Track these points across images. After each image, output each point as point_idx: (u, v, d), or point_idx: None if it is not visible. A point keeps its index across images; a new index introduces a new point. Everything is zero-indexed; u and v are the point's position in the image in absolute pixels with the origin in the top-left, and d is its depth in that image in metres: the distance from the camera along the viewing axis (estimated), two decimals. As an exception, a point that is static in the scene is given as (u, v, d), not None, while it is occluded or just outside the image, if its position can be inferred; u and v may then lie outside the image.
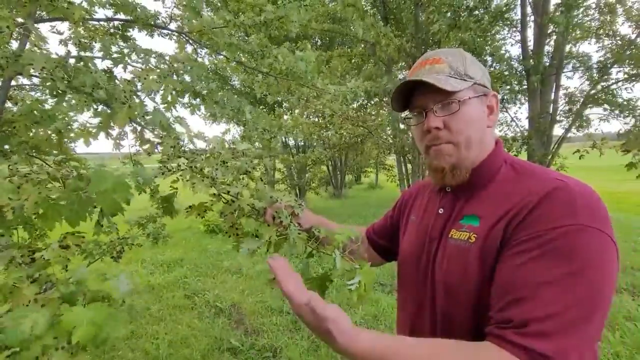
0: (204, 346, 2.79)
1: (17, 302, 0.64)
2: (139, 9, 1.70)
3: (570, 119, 5.68)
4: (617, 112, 5.27)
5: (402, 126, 7.14)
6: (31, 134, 1.14)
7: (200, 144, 0.93)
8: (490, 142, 0.74)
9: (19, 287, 0.66)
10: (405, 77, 0.79)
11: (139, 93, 1.12)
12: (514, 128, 6.58)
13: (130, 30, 1.87)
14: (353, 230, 0.79)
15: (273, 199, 0.82)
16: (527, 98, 5.88)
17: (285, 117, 9.40)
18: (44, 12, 1.34)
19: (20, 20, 1.14)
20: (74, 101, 1.04)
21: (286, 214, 0.79)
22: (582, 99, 5.69)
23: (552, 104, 5.63)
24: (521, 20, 5.78)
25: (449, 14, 5.01)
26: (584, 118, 5.65)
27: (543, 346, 0.48)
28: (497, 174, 0.70)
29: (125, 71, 1.32)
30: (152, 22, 1.78)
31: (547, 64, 5.44)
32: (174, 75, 1.49)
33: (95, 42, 1.39)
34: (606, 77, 5.66)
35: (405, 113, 0.80)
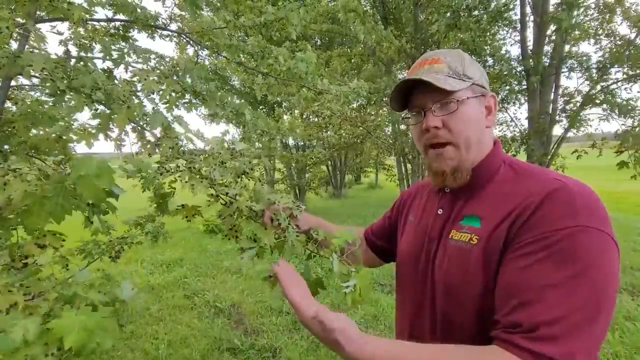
0: (204, 346, 2.79)
1: (2, 306, 0.62)
2: (139, 10, 1.71)
3: (569, 119, 5.69)
4: (615, 112, 5.28)
5: (402, 127, 7.14)
6: (31, 134, 1.14)
7: (199, 144, 0.93)
8: (488, 143, 0.74)
9: (10, 291, 0.64)
10: (404, 77, 0.79)
11: (138, 93, 1.12)
12: (513, 128, 6.59)
13: (131, 31, 1.87)
14: (351, 231, 0.80)
15: (271, 200, 0.82)
16: (526, 98, 5.89)
17: (285, 117, 9.41)
18: (44, 13, 1.34)
19: (20, 20, 1.14)
20: (73, 102, 1.05)
21: (284, 216, 0.79)
22: (581, 100, 5.70)
23: (551, 104, 5.64)
24: (520, 20, 5.79)
25: (448, 15, 5.01)
26: (582, 118, 5.65)
27: (551, 350, 0.48)
28: (496, 174, 0.71)
29: (126, 71, 1.32)
30: (153, 23, 1.78)
31: (547, 64, 5.45)
32: (175, 76, 1.50)
33: (96, 43, 1.39)
34: (605, 77, 5.67)
35: (404, 113, 0.80)
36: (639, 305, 3.22)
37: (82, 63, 1.17)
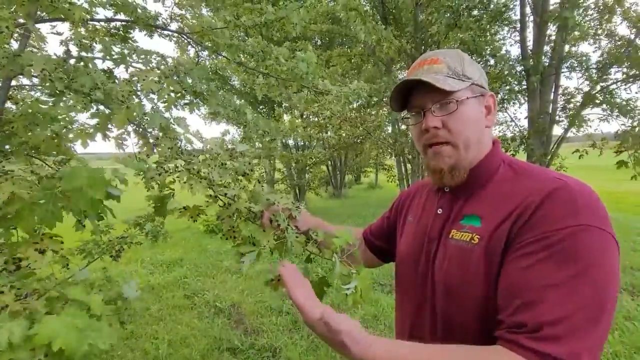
0: (204, 346, 2.79)
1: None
2: (139, 10, 1.71)
3: (569, 118, 5.69)
4: (615, 112, 5.28)
5: (402, 127, 7.14)
6: (30, 134, 1.14)
7: (198, 145, 0.93)
8: (488, 143, 0.74)
9: (1, 292, 0.62)
10: (404, 77, 0.79)
11: (138, 93, 1.12)
12: (513, 128, 6.59)
13: (131, 31, 1.87)
14: (350, 232, 0.79)
15: (270, 201, 0.82)
16: (526, 98, 5.89)
17: (285, 117, 9.41)
18: (45, 13, 1.35)
19: (20, 20, 1.14)
20: (71, 101, 1.05)
21: (283, 217, 0.79)
22: (581, 99, 5.71)
23: (551, 104, 5.64)
24: (520, 20, 5.79)
25: (447, 15, 5.01)
26: (582, 117, 5.64)
27: (556, 350, 0.48)
28: (496, 174, 0.71)
29: (127, 71, 1.32)
30: (153, 23, 1.78)
31: (547, 64, 5.45)
32: (176, 76, 1.50)
33: (96, 43, 1.39)
34: (605, 77, 5.67)
35: (404, 113, 0.80)
36: (639, 305, 3.22)
37: (82, 63, 1.17)
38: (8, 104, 1.32)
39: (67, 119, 1.11)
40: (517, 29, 6.05)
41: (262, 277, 4.32)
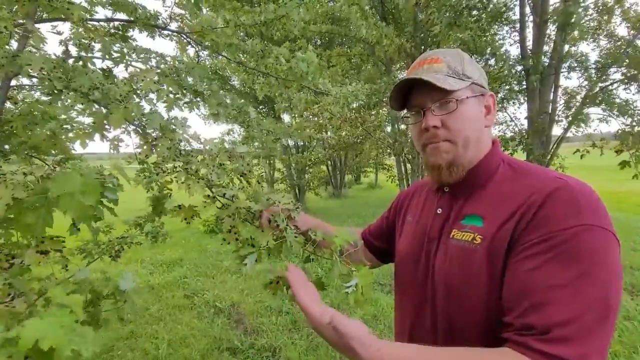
0: (203, 346, 2.79)
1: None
2: (139, 10, 1.71)
3: (569, 118, 5.69)
4: (615, 112, 5.28)
5: (402, 126, 7.14)
6: (30, 134, 1.14)
7: (196, 146, 0.93)
8: (487, 142, 0.74)
9: None
10: (404, 76, 0.78)
11: (137, 92, 1.12)
12: (512, 128, 6.59)
13: (131, 30, 1.87)
14: (350, 233, 0.79)
15: (269, 201, 0.82)
16: (526, 98, 5.89)
17: (286, 117, 9.40)
18: (45, 14, 1.34)
19: (20, 20, 1.14)
20: (69, 101, 1.04)
21: (282, 217, 0.79)
22: (581, 99, 5.71)
23: (550, 104, 5.64)
24: (520, 20, 5.79)
25: (446, 14, 5.01)
26: (584, 116, 5.64)
27: (566, 351, 0.48)
28: (496, 174, 0.71)
29: (127, 70, 1.32)
30: (153, 23, 1.78)
31: (546, 64, 5.45)
32: (176, 75, 1.49)
33: (95, 42, 1.39)
34: (604, 77, 5.67)
35: (404, 112, 0.80)
36: (638, 304, 3.22)
37: (81, 62, 1.17)
38: (7, 104, 1.32)
39: (66, 119, 1.11)
40: (517, 28, 6.05)
41: (262, 277, 4.32)
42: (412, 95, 0.74)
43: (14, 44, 1.23)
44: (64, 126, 1.14)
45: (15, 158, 1.14)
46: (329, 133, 8.85)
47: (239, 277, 4.38)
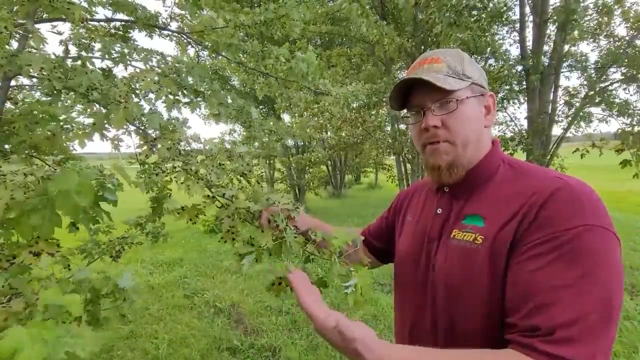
0: (203, 346, 2.79)
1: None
2: (139, 10, 1.71)
3: (570, 117, 5.69)
4: (615, 112, 5.27)
5: (402, 127, 7.14)
6: (30, 134, 1.14)
7: (196, 146, 0.93)
8: (487, 142, 0.74)
9: None
10: (404, 76, 0.78)
11: (137, 92, 1.12)
12: (512, 128, 6.59)
13: (131, 31, 1.87)
14: (349, 233, 0.79)
15: (269, 202, 0.82)
16: (526, 98, 5.89)
17: (285, 117, 9.40)
18: (45, 14, 1.34)
19: (20, 20, 1.14)
20: (69, 101, 1.04)
21: (282, 217, 0.79)
22: (581, 99, 5.71)
23: (550, 104, 5.64)
24: (520, 20, 5.79)
25: (446, 14, 5.01)
26: (586, 114, 5.63)
27: (570, 352, 0.48)
28: (496, 174, 0.71)
29: (126, 69, 1.32)
30: (153, 23, 1.78)
31: (546, 64, 5.45)
32: (177, 75, 1.49)
33: (95, 43, 1.39)
34: (604, 77, 5.67)
35: (404, 112, 0.80)
36: (638, 304, 3.23)
37: (80, 62, 1.17)
38: (8, 104, 1.32)
39: (66, 119, 1.11)
40: (517, 29, 6.06)
41: (262, 277, 4.32)
42: (412, 95, 0.74)
43: (14, 44, 1.23)
44: (65, 126, 1.14)
45: (15, 158, 1.14)
46: (329, 133, 8.85)
47: (239, 277, 4.38)
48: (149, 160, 0.86)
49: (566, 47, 5.72)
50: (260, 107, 9.92)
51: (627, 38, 5.61)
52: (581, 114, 5.52)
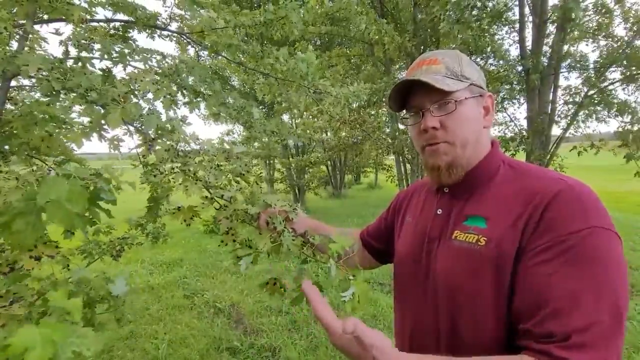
0: (203, 346, 2.79)
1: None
2: (139, 10, 1.71)
3: (569, 117, 5.69)
4: (614, 112, 5.28)
5: (401, 127, 7.15)
6: (30, 135, 1.14)
7: (195, 147, 0.93)
8: (486, 143, 0.74)
9: None
10: (403, 77, 0.79)
11: (136, 92, 1.12)
12: (512, 128, 6.60)
13: (131, 31, 1.87)
14: (348, 235, 0.79)
15: (267, 203, 0.81)
16: (525, 98, 5.89)
17: (285, 117, 9.41)
18: (44, 15, 1.35)
19: (20, 21, 1.14)
20: (67, 102, 1.04)
21: (280, 220, 0.78)
22: (580, 99, 5.72)
23: (550, 104, 5.65)
24: (519, 20, 5.80)
25: (449, 13, 5.01)
26: (591, 112, 5.64)
27: (585, 357, 0.49)
28: (496, 175, 0.71)
29: (125, 70, 1.32)
30: (153, 23, 1.78)
31: (546, 64, 5.46)
32: (176, 75, 1.49)
33: (95, 43, 1.39)
34: (603, 77, 5.67)
35: (403, 113, 0.80)
36: (637, 304, 3.22)
37: (79, 63, 1.17)
38: (8, 105, 1.32)
39: (65, 119, 1.11)
40: (516, 29, 6.06)
41: (261, 277, 4.32)
42: (411, 96, 0.74)
43: (14, 45, 1.23)
44: (63, 127, 1.13)
45: (15, 159, 1.14)
46: (328, 134, 8.86)
47: (239, 277, 4.38)
48: (148, 161, 0.86)
49: (565, 47, 5.72)
50: (261, 107, 9.91)
51: (626, 38, 5.62)
52: (586, 111, 5.52)
